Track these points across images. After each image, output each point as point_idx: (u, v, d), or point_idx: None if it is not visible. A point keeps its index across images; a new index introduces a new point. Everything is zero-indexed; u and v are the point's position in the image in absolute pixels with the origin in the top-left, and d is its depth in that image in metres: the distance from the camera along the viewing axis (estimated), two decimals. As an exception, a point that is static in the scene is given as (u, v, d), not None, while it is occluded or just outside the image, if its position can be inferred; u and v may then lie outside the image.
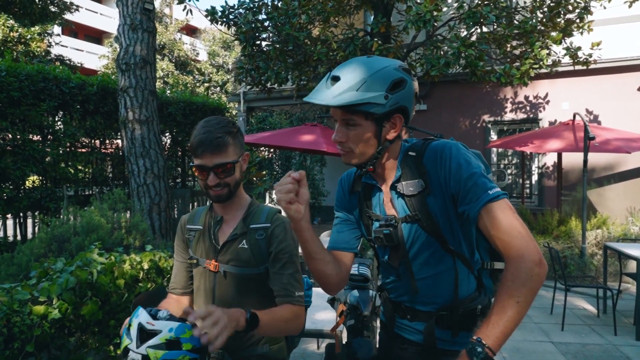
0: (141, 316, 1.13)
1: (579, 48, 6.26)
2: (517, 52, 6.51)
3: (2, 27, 11.00)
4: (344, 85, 1.16)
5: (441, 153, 1.21)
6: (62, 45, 18.62)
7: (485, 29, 6.20)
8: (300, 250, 1.38)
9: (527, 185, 8.69)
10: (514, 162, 8.99)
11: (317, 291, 2.91)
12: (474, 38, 6.04)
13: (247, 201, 1.56)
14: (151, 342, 1.09)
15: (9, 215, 6.02)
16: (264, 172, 10.22)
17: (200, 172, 1.43)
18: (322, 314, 2.44)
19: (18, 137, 5.81)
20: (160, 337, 1.10)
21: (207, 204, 1.62)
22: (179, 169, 9.64)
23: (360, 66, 1.19)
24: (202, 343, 1.07)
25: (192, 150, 1.43)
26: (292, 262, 1.47)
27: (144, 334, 1.11)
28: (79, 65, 15.28)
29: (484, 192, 1.13)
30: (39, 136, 6.25)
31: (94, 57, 24.80)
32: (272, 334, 1.46)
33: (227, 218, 1.53)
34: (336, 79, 1.18)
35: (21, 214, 6.15)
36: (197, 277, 1.55)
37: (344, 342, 1.80)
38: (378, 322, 1.62)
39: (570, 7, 6.14)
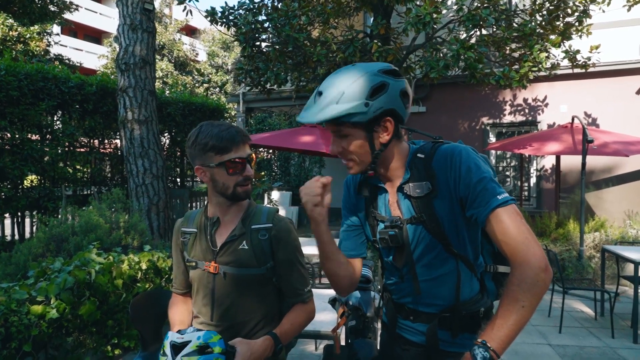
0: (171, 337, 1.27)
1: (578, 51, 6.28)
2: (516, 54, 6.52)
3: (2, 26, 10.98)
4: (324, 101, 1.19)
5: (451, 156, 1.21)
6: (61, 45, 18.59)
7: (484, 32, 6.21)
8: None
9: (526, 188, 8.70)
10: (512, 164, 9.01)
11: (316, 292, 2.90)
12: (473, 40, 6.05)
13: (246, 202, 1.56)
14: (184, 351, 1.22)
15: (7, 215, 6.00)
16: (263, 173, 10.22)
17: (235, 166, 1.41)
18: (320, 315, 2.44)
19: (17, 136, 5.80)
20: (191, 345, 1.22)
21: (205, 204, 1.62)
22: (178, 169, 9.63)
23: (339, 78, 1.20)
24: None
25: (220, 148, 1.40)
26: (298, 261, 1.51)
27: (177, 349, 1.24)
28: (78, 64, 15.26)
29: (492, 197, 1.14)
30: (37, 135, 6.24)
31: (93, 57, 24.78)
32: None
33: (225, 219, 1.52)
34: (320, 94, 1.21)
35: (19, 214, 6.14)
36: (196, 279, 1.53)
37: (343, 344, 1.80)
38: (379, 323, 1.62)
39: (569, 11, 6.16)
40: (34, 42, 11.97)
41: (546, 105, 8.36)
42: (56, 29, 19.24)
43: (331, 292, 2.85)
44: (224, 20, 6.88)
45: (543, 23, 6.18)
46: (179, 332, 1.29)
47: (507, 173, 9.05)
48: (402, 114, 1.24)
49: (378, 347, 1.56)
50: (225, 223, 1.52)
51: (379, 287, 1.61)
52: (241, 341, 1.33)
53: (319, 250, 1.31)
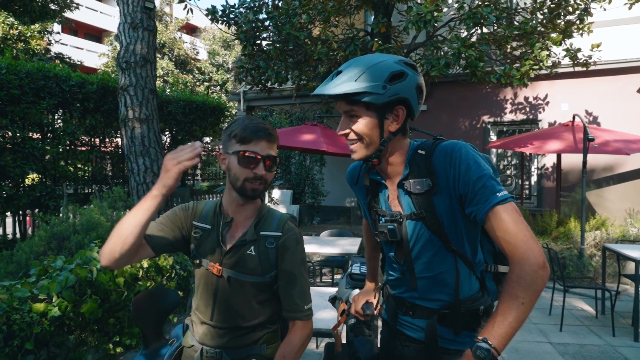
0: None
1: (579, 49, 6.27)
2: (517, 53, 6.51)
3: (2, 24, 10.98)
4: (343, 78, 1.21)
5: (451, 153, 1.22)
6: (62, 44, 18.63)
7: (485, 30, 6.20)
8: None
9: (527, 186, 8.70)
10: (513, 163, 9.00)
11: (317, 290, 2.91)
12: (474, 39, 6.05)
13: (258, 204, 1.52)
14: None
15: (8, 213, 6.02)
16: (264, 172, 10.20)
17: (247, 161, 1.35)
18: (321, 313, 2.44)
19: (18, 135, 5.81)
20: None
21: (218, 198, 1.58)
22: (179, 167, 9.62)
23: (362, 60, 1.24)
24: None
25: (241, 138, 1.36)
26: (301, 275, 1.46)
27: None
28: (79, 63, 15.27)
29: (492, 195, 1.14)
30: (38, 134, 6.25)
31: (93, 56, 24.78)
32: None
33: (237, 220, 1.47)
34: (339, 73, 1.23)
35: (21, 212, 6.15)
36: (199, 277, 1.51)
37: (344, 342, 1.80)
38: (380, 321, 1.63)
39: (570, 9, 6.15)
40: (34, 40, 11.97)
41: (547, 103, 8.35)
42: (57, 27, 19.25)
43: (331, 291, 2.86)
44: (225, 18, 6.88)
45: (544, 21, 6.16)
46: None
47: (508, 172, 9.05)
48: (414, 106, 1.25)
49: (378, 346, 1.57)
50: (237, 224, 1.47)
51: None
52: None
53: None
